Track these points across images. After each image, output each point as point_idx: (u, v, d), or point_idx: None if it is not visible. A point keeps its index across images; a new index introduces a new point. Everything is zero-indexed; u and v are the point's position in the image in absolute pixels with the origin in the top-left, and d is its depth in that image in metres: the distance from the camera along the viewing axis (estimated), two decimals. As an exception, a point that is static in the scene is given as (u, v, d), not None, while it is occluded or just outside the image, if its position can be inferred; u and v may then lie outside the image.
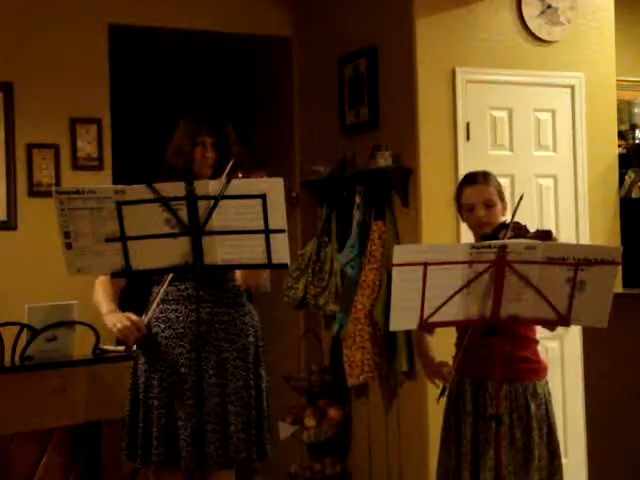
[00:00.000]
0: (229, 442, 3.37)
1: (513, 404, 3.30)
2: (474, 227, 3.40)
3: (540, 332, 3.42)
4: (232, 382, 3.40)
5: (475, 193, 3.37)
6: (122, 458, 3.50)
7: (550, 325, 3.23)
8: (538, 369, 3.39)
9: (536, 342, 3.42)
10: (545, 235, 3.19)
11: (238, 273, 3.50)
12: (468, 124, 4.90)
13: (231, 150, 3.43)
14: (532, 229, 3.31)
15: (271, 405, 3.55)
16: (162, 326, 3.43)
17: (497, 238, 3.23)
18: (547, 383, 3.41)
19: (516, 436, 3.28)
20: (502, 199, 3.42)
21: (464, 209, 3.42)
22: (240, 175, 3.26)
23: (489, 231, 3.34)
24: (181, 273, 3.33)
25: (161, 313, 3.44)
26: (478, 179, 3.41)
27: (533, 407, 3.30)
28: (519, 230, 3.23)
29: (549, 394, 3.39)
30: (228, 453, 3.37)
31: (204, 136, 3.45)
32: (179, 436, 3.36)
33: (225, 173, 3.23)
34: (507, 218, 3.42)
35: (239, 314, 3.48)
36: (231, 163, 3.26)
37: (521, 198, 3.19)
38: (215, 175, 3.38)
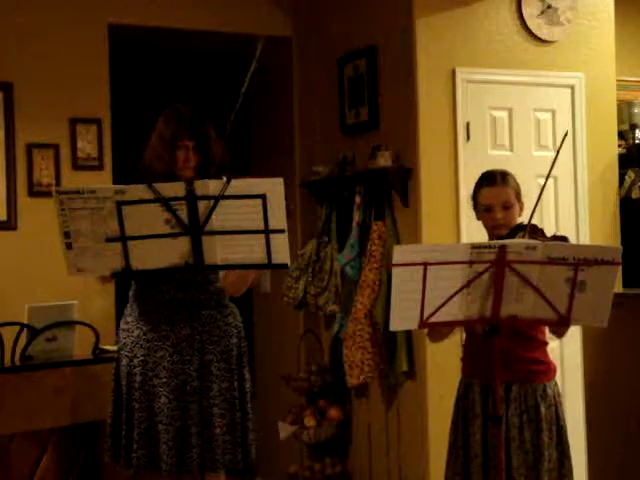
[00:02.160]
0: (214, 445, 3.35)
1: (523, 406, 3.28)
2: (490, 228, 3.38)
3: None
4: (216, 384, 3.39)
5: (493, 194, 3.35)
6: (106, 459, 3.49)
7: (552, 326, 3.23)
8: (548, 370, 3.38)
9: (546, 344, 3.41)
10: (561, 240, 3.18)
11: (222, 282, 3.47)
12: (468, 124, 4.90)
13: (212, 151, 3.42)
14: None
15: (255, 406, 3.53)
16: (144, 328, 3.42)
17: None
18: (556, 384, 3.40)
19: (526, 438, 3.26)
20: (519, 199, 3.40)
21: (481, 209, 3.41)
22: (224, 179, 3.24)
23: (505, 232, 3.32)
24: (181, 273, 3.34)
25: (143, 315, 3.43)
26: (497, 180, 3.39)
27: (543, 408, 3.29)
28: (535, 233, 3.21)
29: (559, 395, 3.38)
30: (214, 456, 3.36)
31: (185, 140, 3.42)
32: (160, 440, 3.35)
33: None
34: (524, 220, 3.41)
35: (222, 315, 3.47)
36: (215, 168, 3.22)
37: (565, 135, 3.03)
38: (198, 177, 3.34)
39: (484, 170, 3.53)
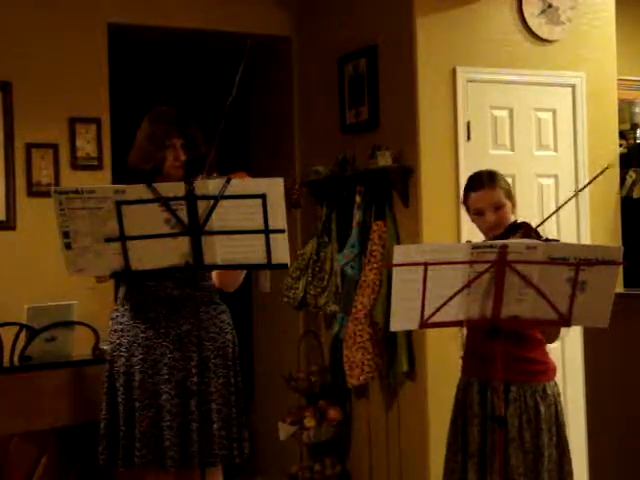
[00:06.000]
0: (212, 440, 3.38)
1: (522, 406, 3.27)
2: (485, 230, 3.37)
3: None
4: (214, 380, 3.42)
5: (483, 198, 3.33)
6: (100, 462, 3.47)
7: (553, 326, 3.22)
8: (547, 370, 3.36)
9: (544, 343, 3.39)
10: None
11: (214, 274, 3.49)
12: (469, 123, 4.89)
13: (199, 150, 3.43)
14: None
15: (255, 406, 3.54)
16: (142, 327, 3.43)
17: (508, 238, 3.21)
18: (556, 384, 3.39)
19: (525, 438, 3.25)
20: (510, 198, 3.38)
21: (472, 213, 3.39)
22: (215, 175, 3.25)
23: (500, 232, 3.30)
24: (181, 273, 3.34)
25: (140, 314, 3.43)
26: (484, 182, 3.36)
27: (543, 409, 3.27)
28: (528, 233, 3.19)
29: (558, 394, 3.37)
30: (212, 451, 3.38)
31: (173, 138, 3.43)
32: (164, 436, 3.36)
33: (202, 176, 3.19)
34: (517, 218, 3.41)
35: (217, 312, 3.50)
36: (208, 164, 3.23)
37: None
38: (187, 176, 3.35)
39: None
